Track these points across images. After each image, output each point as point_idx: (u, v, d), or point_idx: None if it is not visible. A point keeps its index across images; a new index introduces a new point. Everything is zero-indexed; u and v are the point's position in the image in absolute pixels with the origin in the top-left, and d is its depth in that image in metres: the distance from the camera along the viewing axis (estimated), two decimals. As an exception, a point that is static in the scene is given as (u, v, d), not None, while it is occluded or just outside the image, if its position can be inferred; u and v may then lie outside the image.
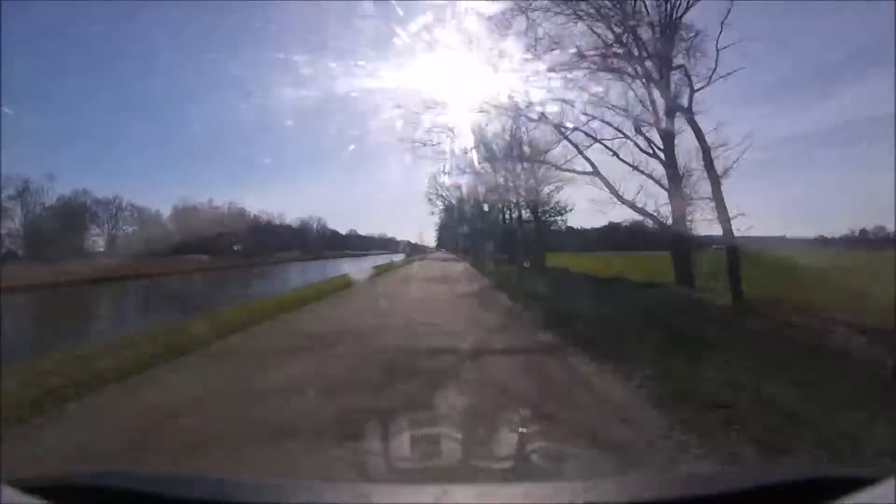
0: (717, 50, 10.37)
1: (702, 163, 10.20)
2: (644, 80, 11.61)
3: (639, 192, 12.05)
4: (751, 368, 4.52)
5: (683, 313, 7.77)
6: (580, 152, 12.56)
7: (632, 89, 11.99)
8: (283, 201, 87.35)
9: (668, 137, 11.39)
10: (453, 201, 34.30)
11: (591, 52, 10.76)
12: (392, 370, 4.92)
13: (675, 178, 11.29)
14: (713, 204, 9.87)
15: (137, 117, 57.11)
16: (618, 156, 12.21)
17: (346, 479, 2.46)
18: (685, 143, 11.80)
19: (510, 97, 12.14)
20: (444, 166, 19.73)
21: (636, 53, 10.85)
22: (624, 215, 35.19)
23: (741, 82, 21.77)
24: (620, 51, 10.68)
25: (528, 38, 10.97)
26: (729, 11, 10.31)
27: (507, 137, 16.37)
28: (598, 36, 10.95)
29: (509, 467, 2.65)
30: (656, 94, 11.65)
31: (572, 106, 12.06)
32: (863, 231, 21.81)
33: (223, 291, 21.25)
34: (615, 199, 12.25)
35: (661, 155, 11.65)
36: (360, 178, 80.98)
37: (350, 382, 4.54)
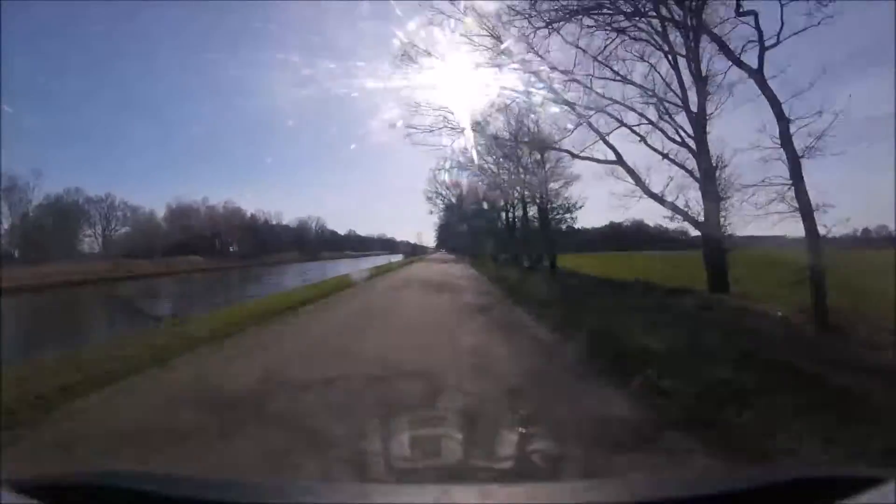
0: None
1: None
2: (670, 55, 10.09)
3: (668, 185, 10.50)
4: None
5: (781, 347, 5.58)
6: (602, 138, 10.87)
7: (657, 71, 10.49)
8: (281, 201, 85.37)
9: (700, 120, 9.82)
10: (453, 199, 32.88)
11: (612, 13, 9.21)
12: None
13: (708, 169, 9.72)
14: (790, 192, 7.54)
15: (136, 117, 55.67)
16: (646, 141, 10.66)
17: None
18: (717, 130, 10.27)
19: (520, 78, 10.70)
20: (445, 162, 18.38)
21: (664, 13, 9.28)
22: (644, 211, 33.92)
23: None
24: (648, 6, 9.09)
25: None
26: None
27: (514, 123, 14.60)
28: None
29: None
30: (685, 75, 10.14)
31: (589, 88, 10.52)
32: (865, 230, 20.68)
33: (203, 298, 19.84)
34: (639, 193, 10.68)
35: (692, 143, 10.09)
36: (360, 178, 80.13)
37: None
